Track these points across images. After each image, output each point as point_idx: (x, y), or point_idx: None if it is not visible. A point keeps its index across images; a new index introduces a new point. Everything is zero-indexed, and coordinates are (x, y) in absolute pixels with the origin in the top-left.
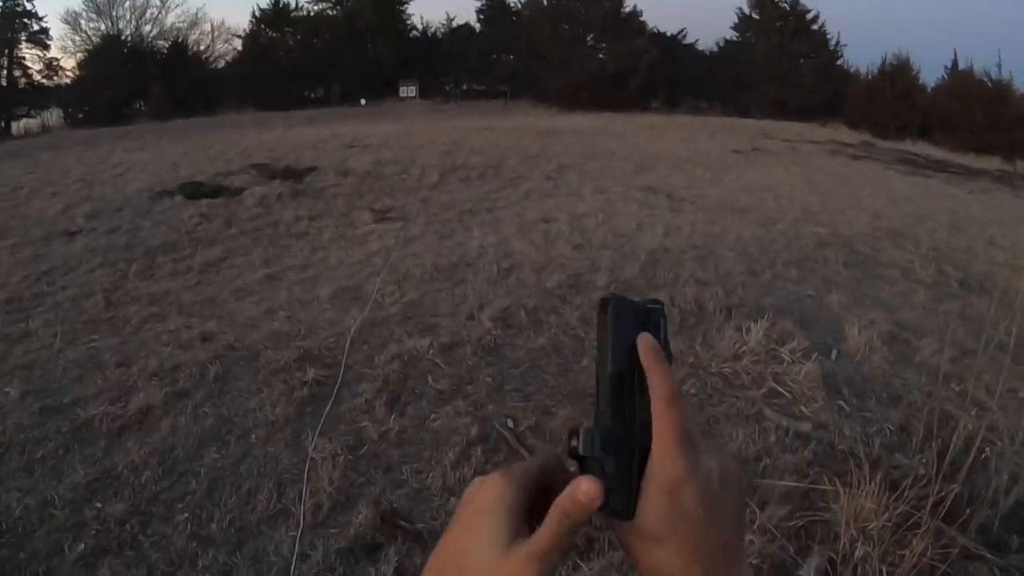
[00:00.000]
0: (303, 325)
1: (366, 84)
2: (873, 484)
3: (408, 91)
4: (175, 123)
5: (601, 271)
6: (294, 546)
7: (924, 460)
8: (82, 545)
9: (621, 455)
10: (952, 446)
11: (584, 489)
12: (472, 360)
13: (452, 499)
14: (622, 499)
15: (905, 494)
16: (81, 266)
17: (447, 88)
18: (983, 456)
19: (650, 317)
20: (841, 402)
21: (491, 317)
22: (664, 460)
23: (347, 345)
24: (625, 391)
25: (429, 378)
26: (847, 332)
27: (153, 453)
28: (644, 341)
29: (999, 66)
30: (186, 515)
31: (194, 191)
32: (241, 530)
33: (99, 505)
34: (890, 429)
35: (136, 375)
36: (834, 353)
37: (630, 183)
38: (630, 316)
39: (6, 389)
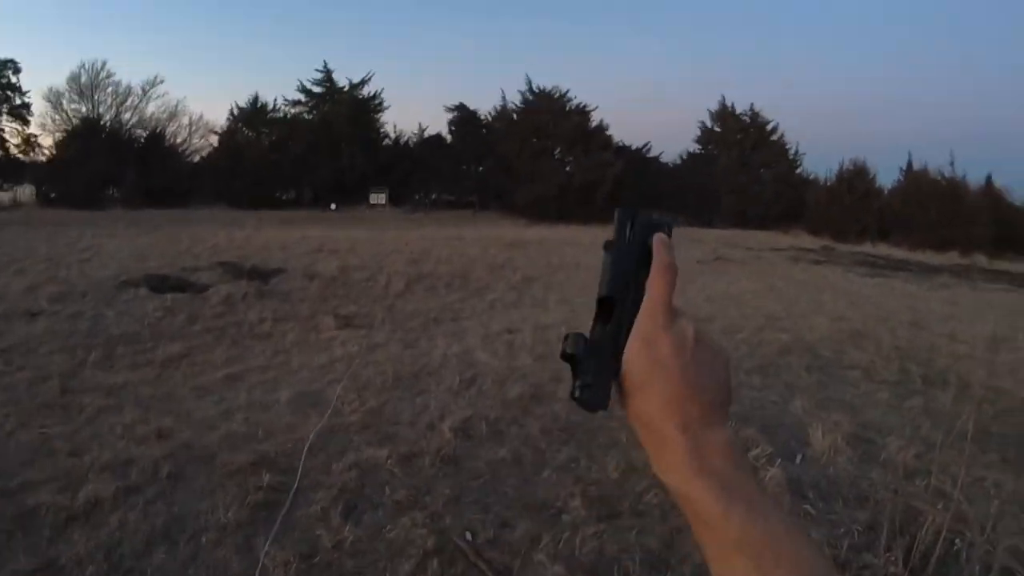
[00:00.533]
0: (261, 428)
1: (337, 189)
2: None
3: (378, 198)
4: (146, 213)
5: (563, 382)
6: None
7: (892, 558)
8: None
9: (601, 358)
10: (919, 541)
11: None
12: (431, 471)
13: None
14: (598, 395)
15: None
16: (40, 348)
17: (417, 197)
18: (954, 548)
19: (660, 227)
20: (807, 506)
21: (452, 427)
22: (646, 316)
23: (305, 451)
24: (614, 311)
25: (387, 488)
26: (811, 436)
27: (99, 547)
28: (659, 235)
29: (952, 164)
30: None
31: (160, 284)
32: None
33: None
34: (857, 530)
35: (87, 466)
36: (799, 457)
37: (595, 295)
38: (636, 236)
39: None
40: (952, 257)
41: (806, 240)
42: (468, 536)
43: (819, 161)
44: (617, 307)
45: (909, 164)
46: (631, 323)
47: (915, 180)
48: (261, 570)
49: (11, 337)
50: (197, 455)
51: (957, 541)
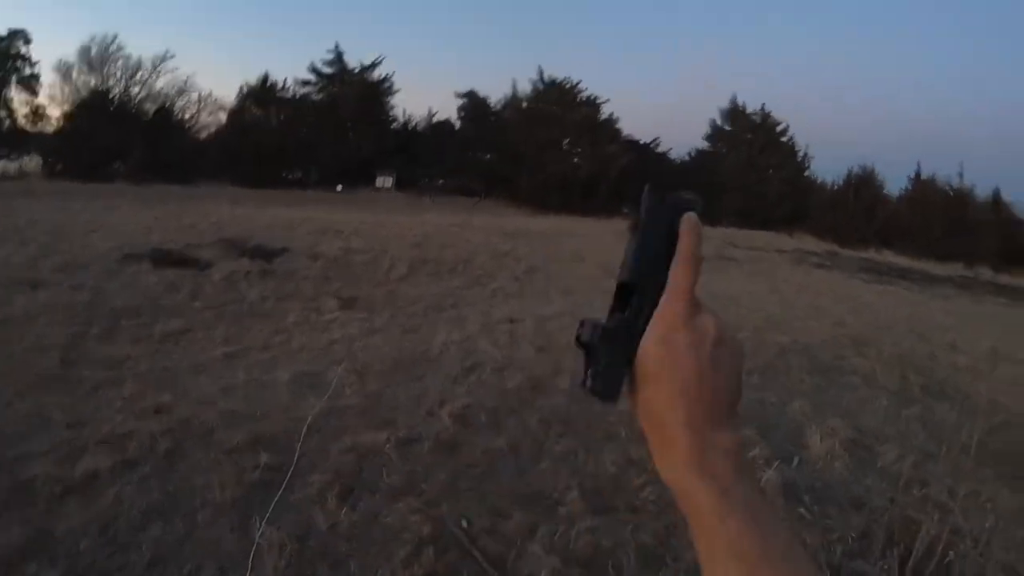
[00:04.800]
0: (259, 407)
1: (343, 171)
2: None
3: (384, 182)
4: (152, 187)
5: (563, 374)
6: None
7: (886, 567)
8: None
9: (615, 347)
10: (915, 551)
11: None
12: (429, 457)
13: None
14: (610, 385)
15: None
16: (41, 319)
17: (423, 182)
18: (947, 560)
19: (690, 206)
20: (802, 510)
21: (450, 414)
22: (667, 306)
23: (303, 432)
24: (633, 298)
25: (384, 472)
26: (809, 439)
27: (94, 521)
28: (689, 217)
29: (961, 175)
30: None
31: (163, 259)
32: None
33: (34, 568)
34: (852, 536)
35: (85, 439)
36: (795, 460)
37: (597, 287)
38: (663, 219)
39: None
40: (956, 268)
41: (810, 243)
42: (464, 524)
43: (827, 165)
44: (637, 294)
45: (917, 173)
46: (651, 312)
47: (923, 189)
48: (255, 550)
49: (12, 308)
50: (195, 432)
51: (951, 553)
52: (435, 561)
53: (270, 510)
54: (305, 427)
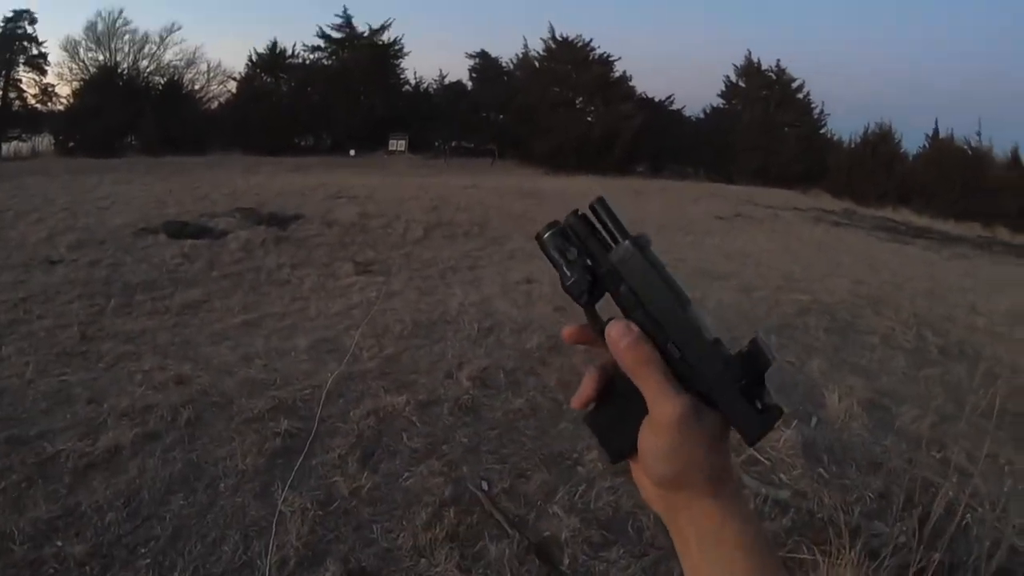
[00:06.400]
0: (279, 375)
1: (356, 135)
2: (853, 553)
3: (397, 145)
4: (164, 160)
5: None
6: None
7: (904, 528)
8: None
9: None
10: (933, 513)
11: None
12: (448, 419)
13: (422, 560)
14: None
15: (885, 563)
16: (59, 296)
17: (436, 144)
18: (964, 523)
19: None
20: (820, 469)
21: (469, 376)
22: (652, 406)
23: (323, 398)
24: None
25: (404, 436)
26: (827, 399)
27: (119, 494)
28: (612, 333)
29: (979, 134)
30: (148, 561)
31: (178, 230)
32: None
33: (59, 544)
34: (870, 496)
35: (107, 413)
36: (814, 420)
37: None
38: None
39: None
40: (974, 228)
41: (827, 201)
42: (484, 486)
43: (844, 123)
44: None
45: (935, 131)
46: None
47: (940, 148)
48: (278, 517)
49: (31, 286)
50: (215, 401)
51: (968, 516)
52: (456, 523)
53: (292, 476)
54: (324, 393)
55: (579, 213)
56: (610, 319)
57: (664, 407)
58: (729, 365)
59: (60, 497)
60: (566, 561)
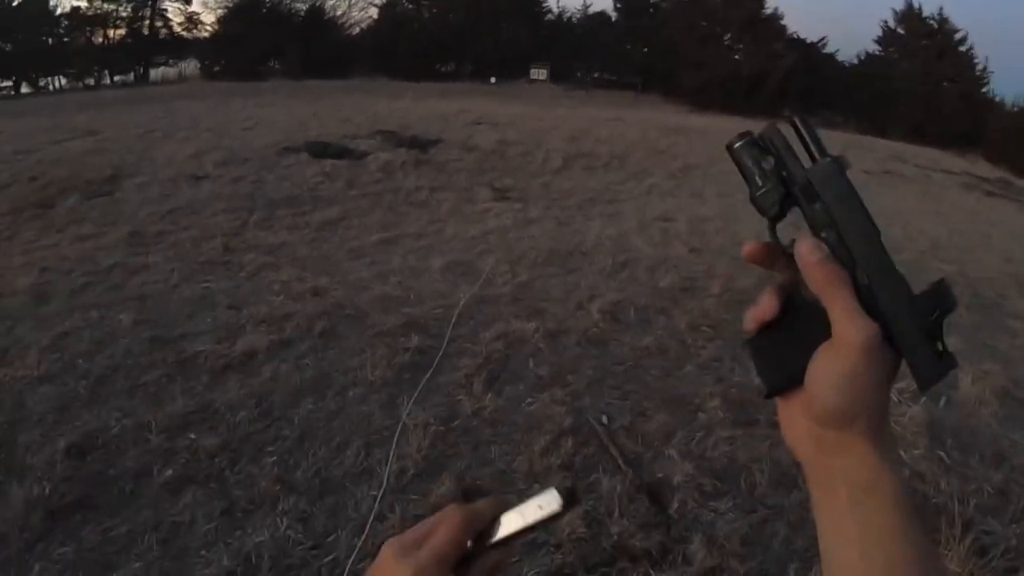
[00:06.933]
0: (412, 293)
1: (497, 63)
2: (962, 547)
3: (539, 74)
4: (307, 84)
5: (716, 278)
6: (373, 505)
7: (1018, 531)
8: (170, 471)
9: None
10: None
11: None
12: (576, 350)
13: (535, 485)
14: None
15: (993, 563)
16: (204, 210)
17: (578, 75)
18: None
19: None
20: (942, 453)
21: (600, 309)
22: (839, 326)
23: (454, 318)
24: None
25: (531, 362)
26: (960, 380)
27: (251, 395)
28: (802, 249)
29: None
30: (274, 459)
31: (320, 151)
32: (325, 482)
33: (192, 436)
34: (989, 491)
35: (245, 319)
36: (943, 400)
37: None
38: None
39: (120, 316)
40: None
41: (982, 168)
42: (604, 420)
43: (1008, 85)
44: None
45: None
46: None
47: None
48: (401, 428)
49: (179, 199)
50: (349, 314)
51: None
52: (573, 453)
53: (418, 392)
54: (456, 313)
55: (775, 126)
56: (793, 240)
57: (851, 328)
58: (916, 301)
59: (196, 394)
60: (675, 505)
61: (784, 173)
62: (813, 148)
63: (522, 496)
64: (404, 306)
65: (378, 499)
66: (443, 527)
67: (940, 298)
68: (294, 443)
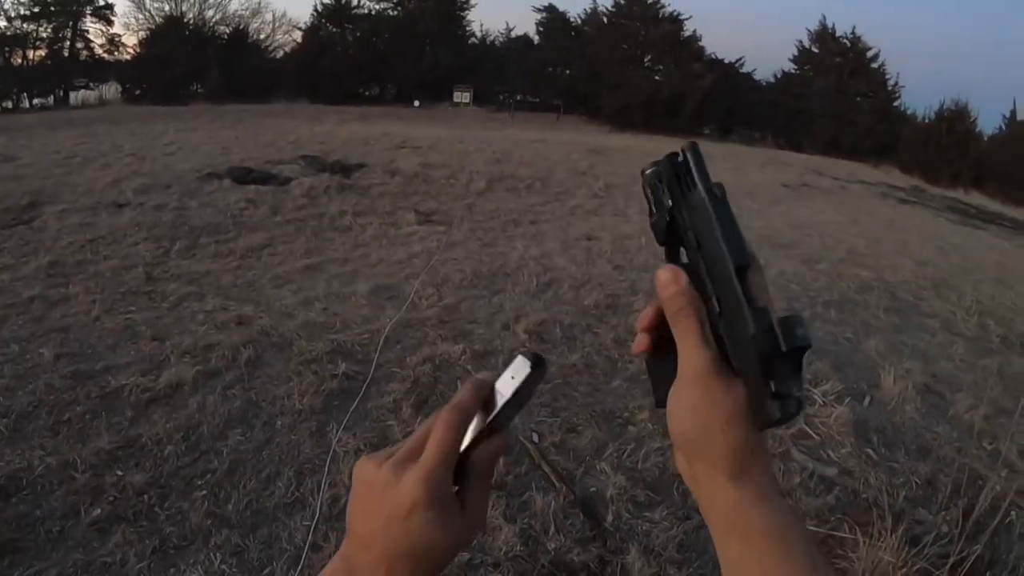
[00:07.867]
0: (339, 318)
1: (421, 86)
2: (894, 537)
3: (462, 97)
4: (230, 108)
5: (640, 294)
6: (307, 535)
7: (948, 518)
8: (98, 510)
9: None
10: (978, 506)
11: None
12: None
13: None
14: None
15: (925, 551)
16: (126, 238)
17: (501, 97)
18: (1008, 520)
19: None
20: (869, 450)
21: (526, 329)
22: (680, 356)
23: (380, 342)
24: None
25: (459, 384)
26: (882, 379)
27: (178, 428)
28: (659, 278)
29: None
30: (204, 492)
31: (243, 176)
32: (257, 514)
33: (120, 473)
34: (916, 482)
35: (169, 350)
36: (867, 399)
37: None
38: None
39: (41, 350)
40: None
41: (896, 177)
42: (535, 438)
43: (917, 98)
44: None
45: (1013, 112)
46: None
47: (1018, 129)
48: (332, 456)
49: (99, 227)
50: (275, 342)
51: (1013, 513)
52: (505, 473)
53: (347, 418)
54: (382, 338)
55: (674, 156)
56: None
57: (689, 358)
58: (760, 334)
59: (122, 429)
60: (610, 518)
61: (669, 203)
62: (697, 176)
63: None
64: (330, 332)
65: (312, 529)
66: (438, 428)
67: (786, 334)
68: (224, 475)
